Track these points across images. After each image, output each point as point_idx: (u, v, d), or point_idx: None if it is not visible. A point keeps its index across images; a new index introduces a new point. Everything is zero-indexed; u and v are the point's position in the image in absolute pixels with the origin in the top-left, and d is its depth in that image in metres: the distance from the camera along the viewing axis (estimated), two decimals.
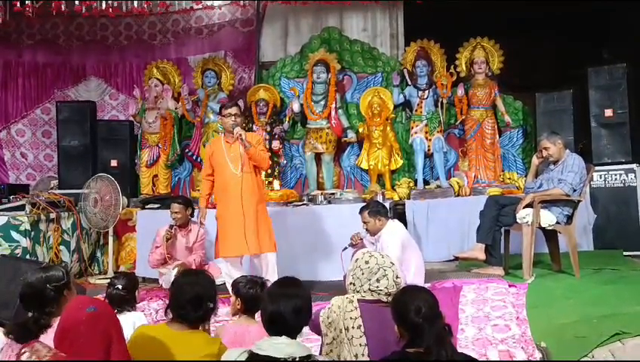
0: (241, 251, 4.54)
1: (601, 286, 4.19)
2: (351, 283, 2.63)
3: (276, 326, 2.13)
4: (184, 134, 7.30)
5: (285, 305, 2.13)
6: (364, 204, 5.15)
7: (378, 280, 2.55)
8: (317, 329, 2.64)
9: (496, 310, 3.85)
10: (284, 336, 2.09)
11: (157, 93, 7.10)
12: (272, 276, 4.33)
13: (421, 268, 4.55)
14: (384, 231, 4.50)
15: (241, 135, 4.47)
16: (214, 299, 2.44)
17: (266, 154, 4.78)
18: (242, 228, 4.46)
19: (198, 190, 6.90)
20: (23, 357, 2.03)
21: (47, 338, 2.23)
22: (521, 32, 7.61)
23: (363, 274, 2.58)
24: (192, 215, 5.46)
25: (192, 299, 2.35)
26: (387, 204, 5.29)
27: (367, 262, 2.60)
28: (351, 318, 2.50)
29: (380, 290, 2.54)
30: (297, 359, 2.01)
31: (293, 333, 2.14)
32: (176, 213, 5.36)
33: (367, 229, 4.60)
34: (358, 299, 2.55)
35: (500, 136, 6.63)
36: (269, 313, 2.16)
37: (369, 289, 2.55)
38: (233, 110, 4.61)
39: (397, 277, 2.57)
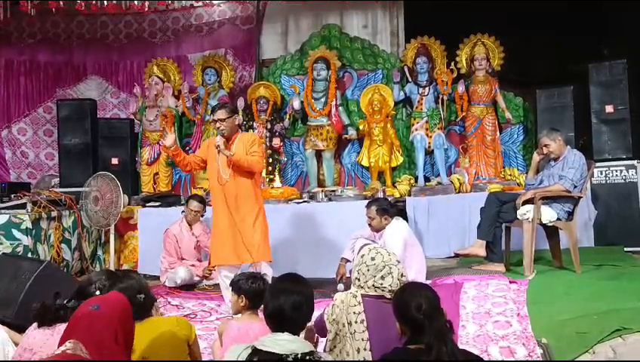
0: (233, 261, 4.26)
1: (602, 282, 4.18)
2: (356, 278, 2.64)
3: (277, 321, 2.14)
4: (185, 132, 7.31)
5: (286, 301, 2.14)
6: (365, 200, 5.13)
7: (383, 278, 2.55)
8: (322, 331, 2.64)
9: (497, 306, 3.84)
10: (286, 333, 2.10)
11: (157, 91, 7.11)
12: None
13: (423, 266, 4.54)
14: (388, 228, 4.47)
15: (219, 145, 4.11)
16: (144, 291, 2.58)
17: (257, 156, 4.25)
18: (235, 238, 4.20)
19: (200, 188, 6.92)
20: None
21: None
22: (521, 28, 7.59)
23: (368, 270, 2.58)
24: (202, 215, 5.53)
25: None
26: None
27: (373, 259, 2.60)
28: (354, 313, 2.50)
29: (384, 288, 2.54)
30: (299, 355, 2.01)
31: (295, 329, 2.14)
32: (197, 211, 5.39)
33: (370, 225, 4.55)
34: (361, 294, 2.56)
35: (500, 133, 6.63)
36: (270, 309, 2.17)
37: (373, 285, 2.56)
38: (217, 114, 4.22)
39: (402, 276, 2.56)
